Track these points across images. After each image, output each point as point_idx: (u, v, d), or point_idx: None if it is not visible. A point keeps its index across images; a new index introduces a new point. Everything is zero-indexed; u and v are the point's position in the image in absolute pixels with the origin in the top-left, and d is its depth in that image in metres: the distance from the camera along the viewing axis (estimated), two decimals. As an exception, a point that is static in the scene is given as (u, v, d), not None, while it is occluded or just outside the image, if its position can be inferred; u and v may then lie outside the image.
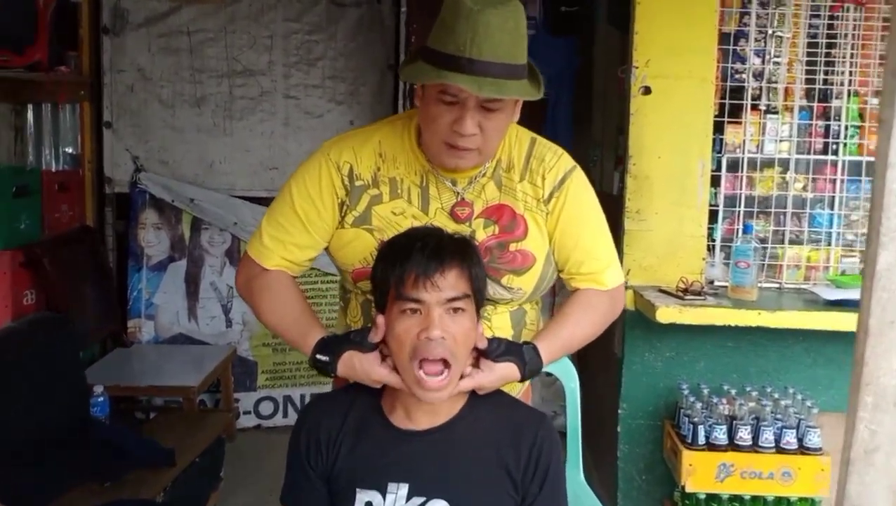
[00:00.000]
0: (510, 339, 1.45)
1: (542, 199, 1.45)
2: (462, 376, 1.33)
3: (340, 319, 1.62)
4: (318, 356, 1.38)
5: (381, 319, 1.32)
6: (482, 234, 1.44)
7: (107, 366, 3.26)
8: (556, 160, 1.47)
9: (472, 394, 1.39)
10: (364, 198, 1.44)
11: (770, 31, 2.41)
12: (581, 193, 1.48)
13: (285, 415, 3.69)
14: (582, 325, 1.48)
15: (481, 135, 1.33)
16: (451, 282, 1.29)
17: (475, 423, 1.36)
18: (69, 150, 3.36)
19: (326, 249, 1.52)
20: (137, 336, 3.55)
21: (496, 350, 1.36)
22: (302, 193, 1.46)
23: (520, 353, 1.38)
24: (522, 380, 1.41)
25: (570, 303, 1.50)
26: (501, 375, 1.36)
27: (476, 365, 1.35)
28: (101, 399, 2.79)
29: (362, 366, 1.34)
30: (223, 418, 3.22)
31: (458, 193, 1.44)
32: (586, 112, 3.46)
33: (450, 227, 1.42)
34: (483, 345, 1.34)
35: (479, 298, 1.35)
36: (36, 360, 2.58)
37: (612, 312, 1.54)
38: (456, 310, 1.29)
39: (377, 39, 3.71)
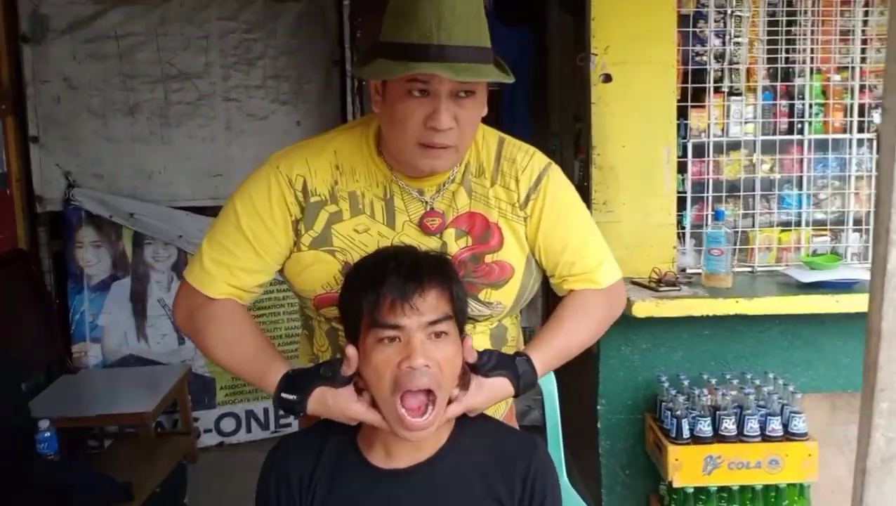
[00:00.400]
0: None
1: (518, 203, 1.34)
2: (449, 401, 1.22)
3: (304, 347, 1.48)
4: (284, 395, 1.23)
5: (352, 351, 1.20)
6: (454, 246, 1.33)
7: (53, 396, 3.06)
8: (529, 160, 1.36)
9: (457, 422, 1.28)
10: (322, 216, 1.31)
11: (729, 11, 2.36)
12: (560, 191, 1.38)
13: (248, 430, 3.53)
14: (579, 329, 1.37)
15: (457, 128, 1.22)
16: (431, 303, 1.18)
17: (462, 455, 1.26)
18: (-7, 169, 3.12)
19: (280, 272, 1.37)
20: (84, 361, 3.34)
21: (487, 364, 1.24)
22: (248, 211, 1.31)
23: (512, 366, 1.27)
24: (516, 396, 1.30)
25: (564, 306, 1.39)
26: (493, 392, 1.25)
27: (463, 382, 1.24)
28: (47, 435, 2.60)
29: (336, 403, 1.21)
30: (183, 442, 3.07)
31: (427, 202, 1.32)
32: (543, 102, 3.38)
33: (419, 240, 1.31)
34: (473, 358, 1.23)
35: (461, 320, 1.24)
36: (-29, 400, 2.38)
37: (611, 313, 1.44)
38: (438, 334, 1.18)
39: (319, 35, 3.54)
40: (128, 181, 3.39)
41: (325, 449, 1.27)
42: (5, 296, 2.91)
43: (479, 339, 1.37)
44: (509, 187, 1.34)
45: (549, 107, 3.38)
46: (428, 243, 1.31)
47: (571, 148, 3.07)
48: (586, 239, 1.40)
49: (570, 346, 1.36)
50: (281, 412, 3.49)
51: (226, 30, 3.43)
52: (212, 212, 3.47)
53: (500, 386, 1.25)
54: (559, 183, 1.38)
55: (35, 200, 3.29)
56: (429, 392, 1.16)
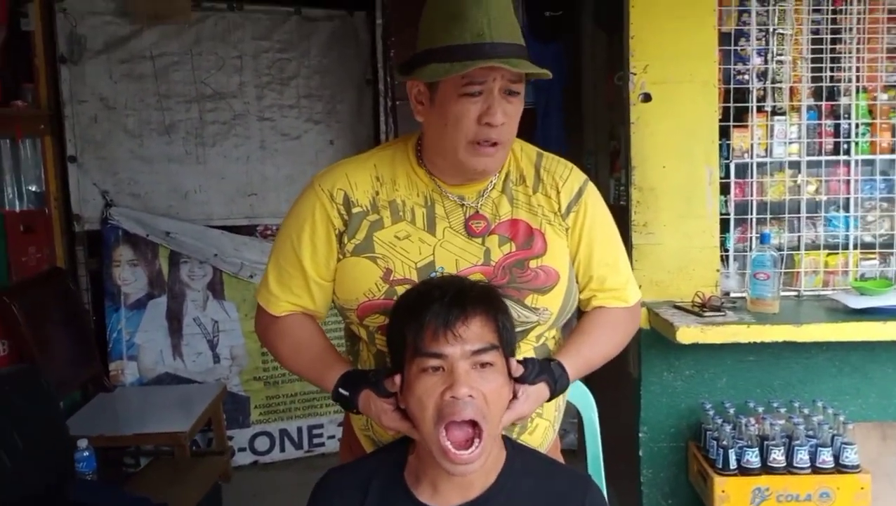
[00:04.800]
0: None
1: (560, 213, 1.36)
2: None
3: None
4: (340, 390, 1.30)
5: (396, 378, 1.21)
6: (498, 253, 1.33)
7: (90, 414, 3.08)
8: (569, 172, 1.39)
9: (507, 460, 1.26)
10: (364, 225, 1.33)
11: (771, 29, 2.31)
12: (599, 206, 1.41)
13: (282, 449, 3.54)
14: (603, 342, 1.40)
15: (507, 124, 1.26)
16: (475, 332, 1.17)
17: (513, 494, 1.24)
18: (33, 187, 3.16)
19: None
20: (120, 379, 3.36)
21: (532, 372, 1.26)
22: (297, 232, 1.36)
23: (549, 370, 1.29)
24: (550, 399, 1.30)
25: (590, 320, 1.41)
26: (537, 397, 1.27)
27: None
28: (86, 454, 2.62)
29: (376, 410, 1.26)
30: (218, 463, 3.06)
31: (471, 206, 1.34)
32: (577, 119, 3.34)
33: (461, 247, 1.32)
34: (519, 373, 1.24)
35: (508, 352, 1.23)
36: (10, 419, 2.39)
37: (632, 330, 1.47)
38: (484, 365, 1.18)
39: (352, 54, 3.55)
40: (164, 200, 3.43)
41: (372, 484, 1.26)
42: (44, 314, 2.94)
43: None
44: (549, 196, 1.37)
45: (583, 124, 3.34)
46: (471, 250, 1.32)
47: (607, 166, 3.03)
48: (618, 255, 1.43)
49: (596, 357, 1.39)
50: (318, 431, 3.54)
51: (259, 49, 3.45)
52: (246, 231, 3.50)
53: (541, 391, 1.27)
54: (597, 198, 1.42)
55: (73, 219, 3.33)
56: (475, 425, 1.15)
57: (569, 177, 1.38)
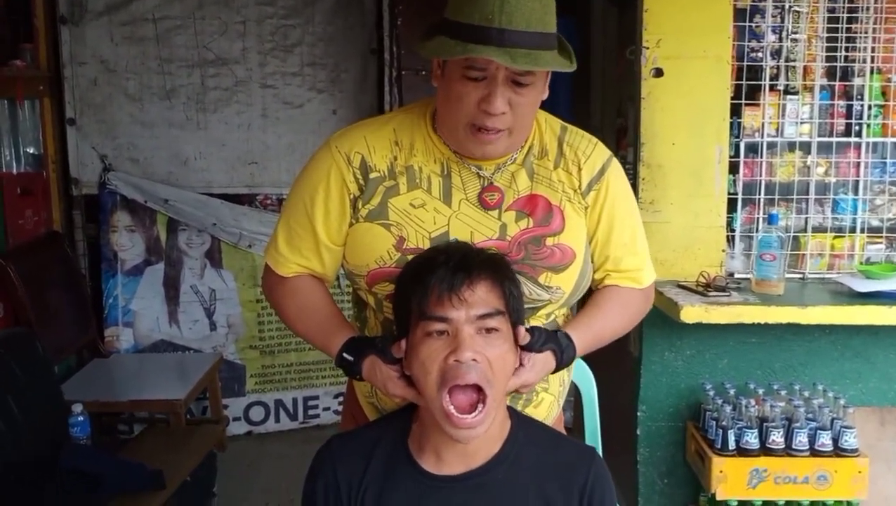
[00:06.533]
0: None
1: (580, 189, 1.31)
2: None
3: None
4: (344, 355, 1.28)
5: (402, 343, 1.20)
6: (514, 228, 1.29)
7: (84, 379, 3.06)
8: (593, 149, 1.34)
9: (511, 430, 1.25)
10: (379, 190, 1.29)
11: (787, 6, 2.27)
12: (621, 184, 1.36)
13: (277, 420, 3.53)
14: (614, 320, 1.37)
15: (511, 113, 1.20)
16: (481, 296, 1.15)
17: (517, 464, 1.22)
18: (31, 150, 3.12)
19: None
20: (115, 345, 3.34)
21: (538, 340, 1.24)
22: (310, 193, 1.32)
23: (556, 340, 1.27)
24: (556, 370, 1.28)
25: (602, 296, 1.38)
26: (543, 366, 1.25)
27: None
28: (80, 418, 2.61)
29: (381, 376, 1.24)
30: (213, 431, 3.04)
31: (487, 177, 1.29)
32: (584, 95, 3.30)
33: (477, 219, 1.28)
34: (527, 340, 1.22)
35: (515, 320, 1.21)
36: (5, 382, 2.38)
37: (644, 311, 1.44)
38: (489, 330, 1.16)
39: (357, 23, 3.49)
40: (163, 166, 3.39)
41: (376, 451, 1.24)
42: (40, 278, 2.92)
43: None
44: (570, 172, 1.32)
45: (590, 100, 3.30)
46: (487, 223, 1.29)
47: (613, 143, 2.99)
48: (636, 236, 1.39)
49: (605, 333, 1.36)
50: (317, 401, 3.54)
51: (263, 15, 3.40)
52: (246, 199, 3.48)
53: (547, 360, 1.25)
54: (620, 176, 1.37)
55: (71, 183, 3.30)
56: (479, 390, 1.14)
57: (592, 153, 1.32)
